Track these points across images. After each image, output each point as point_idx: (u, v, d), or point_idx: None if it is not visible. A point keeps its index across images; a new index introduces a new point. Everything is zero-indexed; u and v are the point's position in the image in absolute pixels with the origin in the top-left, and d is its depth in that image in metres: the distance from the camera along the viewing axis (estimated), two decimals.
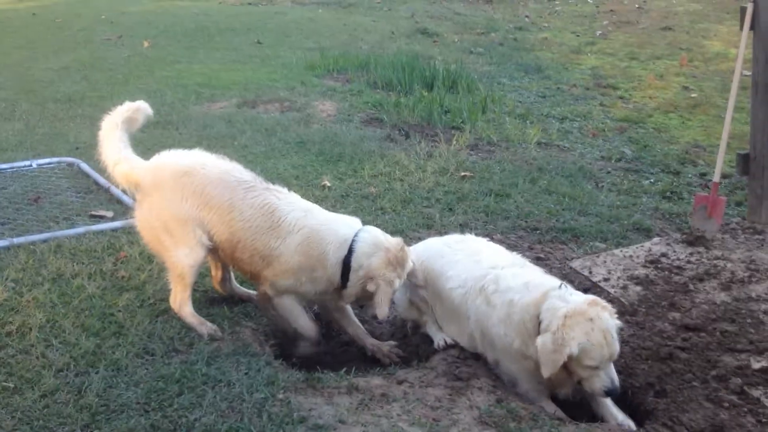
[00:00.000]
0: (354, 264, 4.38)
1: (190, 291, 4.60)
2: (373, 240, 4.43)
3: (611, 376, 3.81)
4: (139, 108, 4.86)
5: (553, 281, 4.10)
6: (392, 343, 4.71)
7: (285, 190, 4.65)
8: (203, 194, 4.47)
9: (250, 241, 4.45)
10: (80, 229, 5.77)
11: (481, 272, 4.32)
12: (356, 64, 12.50)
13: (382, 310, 4.35)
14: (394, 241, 4.46)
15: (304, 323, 4.62)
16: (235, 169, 4.60)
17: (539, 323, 3.87)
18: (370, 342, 4.69)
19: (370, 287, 4.35)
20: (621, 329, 3.88)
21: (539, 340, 3.81)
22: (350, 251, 4.39)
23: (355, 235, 4.43)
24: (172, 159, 4.65)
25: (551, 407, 4.06)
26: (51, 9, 19.21)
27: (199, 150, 4.73)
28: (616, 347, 3.78)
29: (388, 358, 4.58)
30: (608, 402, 4.04)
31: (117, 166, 4.68)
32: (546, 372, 3.79)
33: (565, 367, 3.82)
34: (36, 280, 4.96)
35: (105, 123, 4.79)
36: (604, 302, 3.90)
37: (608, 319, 3.79)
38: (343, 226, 4.52)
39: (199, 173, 4.51)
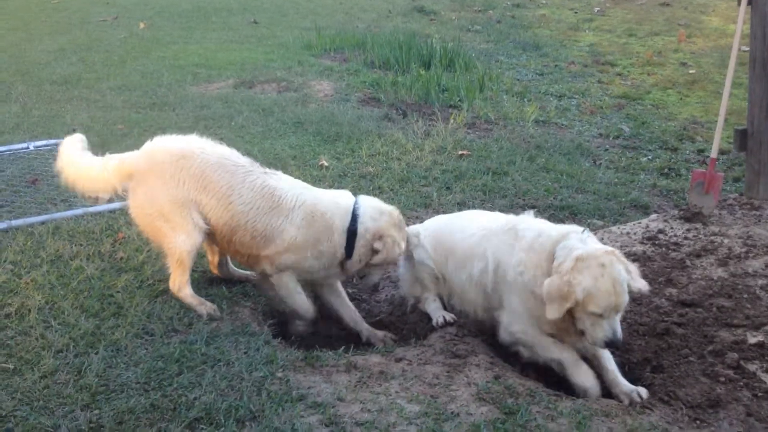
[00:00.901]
0: (360, 229, 4.49)
1: (188, 274, 4.60)
2: (375, 206, 4.63)
3: (614, 327, 3.76)
4: (80, 138, 4.85)
5: (578, 227, 4.12)
6: (387, 334, 4.73)
7: (280, 173, 4.69)
8: (202, 177, 4.47)
9: (251, 224, 4.46)
10: (78, 211, 5.78)
11: (508, 219, 4.38)
12: (353, 43, 12.45)
13: (390, 256, 4.53)
14: (391, 207, 4.69)
15: (302, 301, 4.65)
16: (233, 154, 4.62)
17: (553, 259, 3.87)
18: (365, 328, 4.73)
19: (377, 245, 4.48)
20: (632, 288, 3.82)
21: (546, 281, 3.80)
22: (354, 218, 4.51)
23: (356, 204, 4.57)
24: (169, 143, 4.62)
25: (551, 347, 4.03)
26: None
27: (195, 135, 4.72)
28: (625, 298, 3.74)
29: (383, 343, 4.60)
30: (615, 369, 4.03)
31: (106, 165, 4.61)
32: (551, 314, 3.78)
33: (569, 312, 3.81)
34: (35, 262, 4.97)
35: (65, 148, 4.77)
36: (622, 255, 3.87)
37: (621, 270, 3.75)
38: (341, 197, 4.65)
39: (197, 157, 4.50)
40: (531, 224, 4.20)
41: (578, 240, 3.89)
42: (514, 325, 4.15)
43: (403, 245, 4.61)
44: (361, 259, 4.56)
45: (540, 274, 3.92)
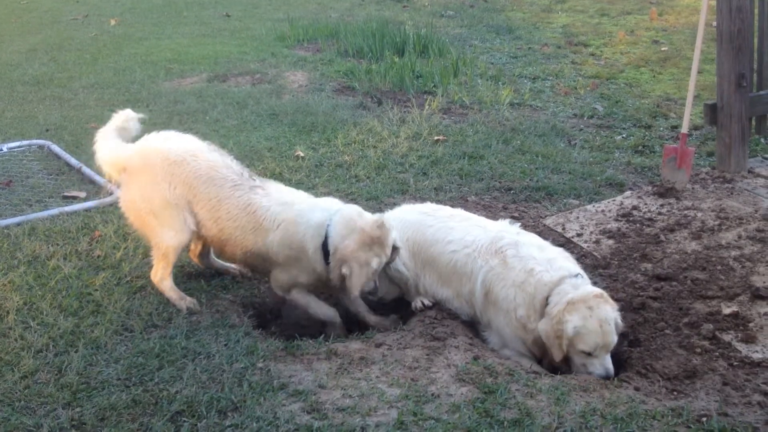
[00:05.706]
0: (330, 248, 4.33)
1: (171, 267, 4.62)
2: (346, 222, 4.34)
3: (605, 365, 3.91)
4: (128, 117, 4.83)
5: (574, 268, 4.17)
6: (394, 316, 4.69)
7: (270, 182, 4.61)
8: (192, 187, 4.47)
9: (240, 240, 4.48)
10: (53, 211, 5.76)
11: (493, 235, 4.37)
12: (326, 32, 12.41)
13: (353, 292, 4.34)
14: (370, 220, 4.34)
15: (322, 310, 4.62)
16: (224, 164, 4.54)
17: (546, 304, 3.99)
18: (372, 319, 4.67)
19: (344, 270, 4.27)
20: (622, 325, 3.99)
21: (540, 326, 3.96)
22: (327, 236, 4.35)
23: (330, 219, 4.36)
24: (163, 144, 4.58)
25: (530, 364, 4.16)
26: None
27: (192, 136, 4.70)
28: (612, 338, 3.89)
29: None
30: None
31: (105, 158, 4.64)
32: (557, 356, 3.94)
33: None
34: (11, 264, 4.95)
35: (99, 134, 4.77)
36: (609, 298, 3.99)
37: (609, 311, 3.90)
38: (318, 211, 4.43)
39: (188, 164, 4.48)
40: (520, 250, 4.21)
41: (571, 286, 3.99)
42: (504, 350, 4.26)
43: (375, 263, 4.29)
44: (334, 276, 4.35)
45: (533, 313, 4.05)
